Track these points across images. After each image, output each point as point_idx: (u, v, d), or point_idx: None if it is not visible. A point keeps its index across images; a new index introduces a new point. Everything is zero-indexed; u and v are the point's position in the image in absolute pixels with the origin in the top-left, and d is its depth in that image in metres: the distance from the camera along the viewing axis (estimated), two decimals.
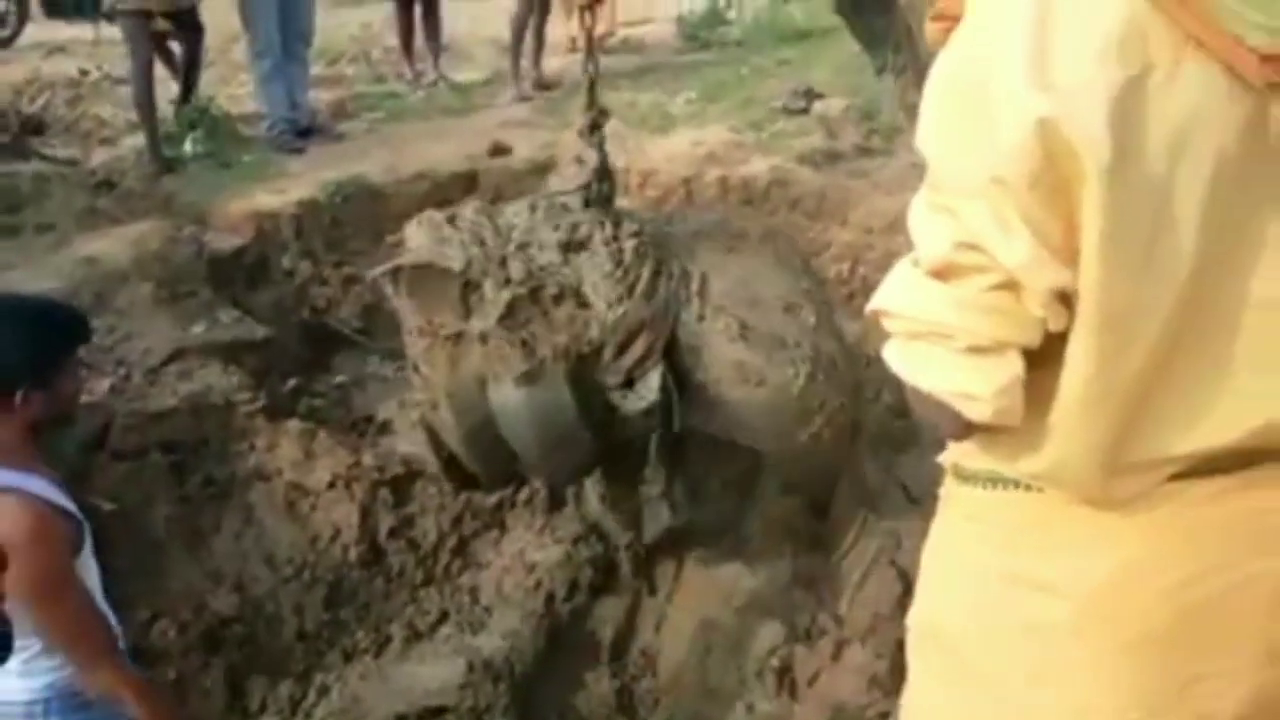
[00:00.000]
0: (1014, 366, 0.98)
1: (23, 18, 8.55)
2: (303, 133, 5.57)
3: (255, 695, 2.72)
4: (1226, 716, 1.06)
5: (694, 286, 2.44)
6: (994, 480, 1.13)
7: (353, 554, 3.01)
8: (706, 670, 2.71)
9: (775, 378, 2.40)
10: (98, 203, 4.36)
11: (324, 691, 2.72)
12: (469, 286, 2.36)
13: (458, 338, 2.35)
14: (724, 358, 2.40)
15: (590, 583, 2.91)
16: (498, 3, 7.23)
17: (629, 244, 2.41)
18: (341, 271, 4.36)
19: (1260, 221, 0.97)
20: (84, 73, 6.71)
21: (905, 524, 2.73)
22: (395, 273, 2.41)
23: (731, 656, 2.70)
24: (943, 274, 0.98)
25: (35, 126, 5.69)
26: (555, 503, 2.95)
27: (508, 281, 2.34)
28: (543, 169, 4.88)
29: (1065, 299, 0.96)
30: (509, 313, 2.32)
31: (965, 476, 1.17)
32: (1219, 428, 1.01)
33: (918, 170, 1.02)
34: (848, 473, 2.85)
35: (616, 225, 2.46)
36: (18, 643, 1.75)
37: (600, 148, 2.51)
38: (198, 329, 3.54)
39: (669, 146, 4.95)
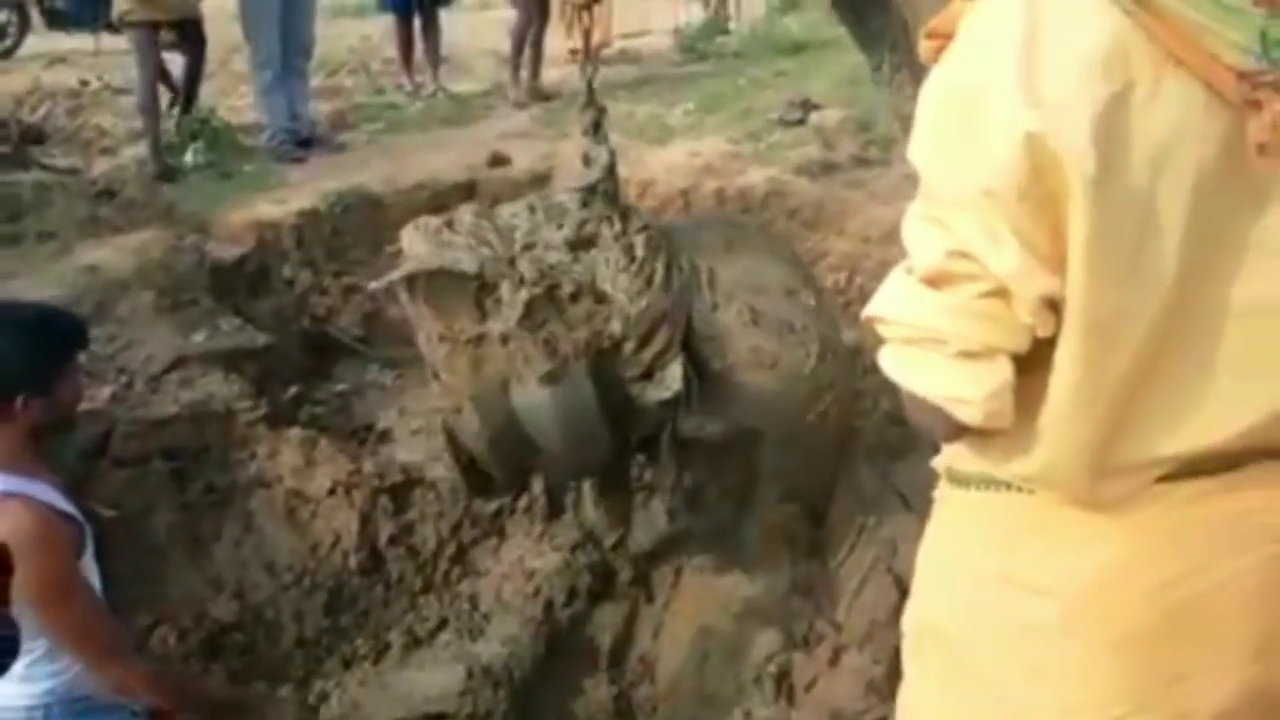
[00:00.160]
0: (1004, 371, 1.01)
1: (24, 29, 8.59)
2: (303, 143, 5.59)
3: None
4: (1211, 712, 1.08)
5: (704, 277, 2.47)
6: (986, 483, 1.15)
7: (352, 561, 3.02)
8: (704, 677, 2.72)
9: (788, 360, 2.44)
10: (99, 212, 4.37)
11: (324, 698, 2.73)
12: (484, 289, 2.34)
13: (478, 341, 2.35)
14: (740, 344, 2.43)
15: (589, 589, 2.92)
16: (496, 15, 7.27)
17: (639, 238, 2.41)
18: (342, 281, 4.37)
19: (1239, 230, 1.00)
20: (85, 83, 6.73)
21: (902, 531, 2.74)
22: (409, 280, 2.38)
23: (729, 663, 2.71)
24: (935, 282, 1.00)
25: (36, 136, 5.70)
26: (554, 510, 2.95)
27: (523, 282, 2.33)
28: (542, 179, 4.88)
29: (1053, 306, 0.98)
30: (528, 313, 2.31)
31: (959, 479, 1.20)
32: (1203, 431, 1.03)
33: (913, 181, 1.05)
34: (845, 480, 2.87)
35: (624, 220, 2.46)
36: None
37: (607, 143, 2.52)
38: (199, 337, 3.55)
39: (667, 157, 4.97)
